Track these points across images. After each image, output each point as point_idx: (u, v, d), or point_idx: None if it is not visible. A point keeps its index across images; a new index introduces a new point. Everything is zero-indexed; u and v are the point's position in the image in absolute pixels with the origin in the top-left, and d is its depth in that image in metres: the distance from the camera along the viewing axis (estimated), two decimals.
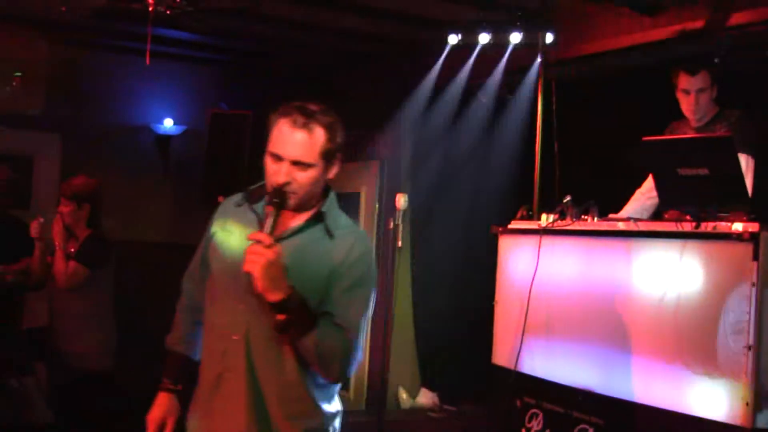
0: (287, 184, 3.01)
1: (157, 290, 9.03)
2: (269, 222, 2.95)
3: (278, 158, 3.02)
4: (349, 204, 9.09)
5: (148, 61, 6.92)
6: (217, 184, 8.64)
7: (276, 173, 3.02)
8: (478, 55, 7.29)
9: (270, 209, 3.01)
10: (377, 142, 8.67)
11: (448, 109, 7.73)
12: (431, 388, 8.08)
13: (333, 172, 3.12)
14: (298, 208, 3.09)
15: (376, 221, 8.61)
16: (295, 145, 3.02)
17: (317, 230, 3.10)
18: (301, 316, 2.90)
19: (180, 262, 9.27)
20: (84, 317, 5.89)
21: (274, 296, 2.84)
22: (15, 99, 8.97)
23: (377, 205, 8.58)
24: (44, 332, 6.24)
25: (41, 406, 6.74)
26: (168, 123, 9.54)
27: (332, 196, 3.20)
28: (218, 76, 9.88)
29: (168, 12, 6.16)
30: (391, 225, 7.04)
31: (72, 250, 5.94)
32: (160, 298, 9.05)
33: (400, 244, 7.55)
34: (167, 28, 7.45)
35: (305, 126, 3.04)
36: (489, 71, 7.34)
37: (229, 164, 8.72)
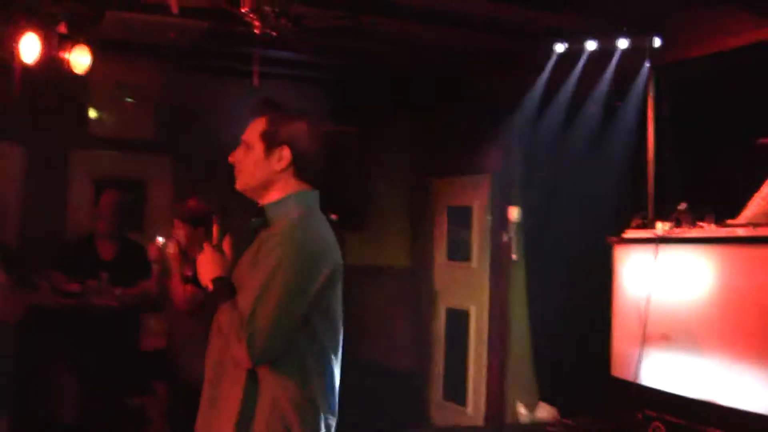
0: (234, 164, 3.46)
1: None
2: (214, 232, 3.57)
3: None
4: (461, 218, 9.13)
5: (255, 82, 7.06)
6: (329, 202, 8.77)
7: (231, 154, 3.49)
8: (585, 63, 7.27)
9: None
10: (487, 155, 8.68)
11: (556, 119, 7.71)
12: (550, 402, 8.04)
13: (278, 164, 3.36)
14: (251, 196, 3.47)
15: (489, 235, 8.62)
16: (248, 128, 3.47)
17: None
18: (217, 299, 3.27)
19: None
20: (202, 338, 6.02)
21: (203, 282, 3.36)
22: (127, 124, 9.26)
23: (489, 219, 8.59)
24: (163, 353, 6.42)
25: (161, 427, 6.92)
26: None
27: (294, 200, 3.40)
28: (327, 95, 9.99)
29: (274, 33, 6.27)
30: (505, 238, 7.06)
31: (188, 273, 6.09)
32: None
33: (515, 257, 7.57)
34: (273, 48, 7.59)
35: (257, 113, 3.47)
36: (596, 78, 7.31)
37: (340, 182, 8.82)
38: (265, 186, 3.41)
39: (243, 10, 5.92)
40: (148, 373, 6.92)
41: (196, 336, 5.98)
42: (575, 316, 7.67)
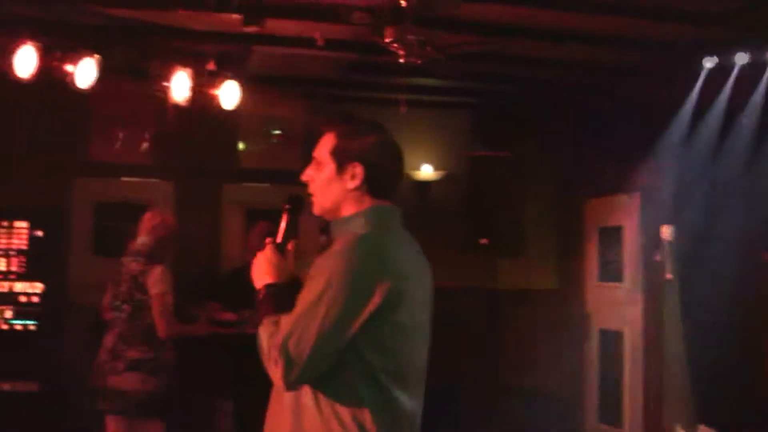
0: (307, 184, 3.16)
1: (431, 334, 9.30)
2: (280, 226, 3.22)
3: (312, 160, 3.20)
4: (611, 238, 9.04)
5: (402, 110, 7.16)
6: (479, 227, 8.82)
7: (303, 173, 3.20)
8: (737, 76, 7.14)
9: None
10: (638, 173, 8.59)
11: (709, 135, 7.58)
12: (709, 424, 7.87)
13: (351, 181, 3.10)
14: (328, 218, 3.16)
15: (641, 255, 8.51)
16: (318, 144, 3.17)
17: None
18: (262, 311, 3.03)
19: (442, 307, 9.51)
20: None
21: (256, 285, 3.11)
22: (275, 156, 9.51)
23: (641, 238, 8.49)
24: None
25: None
26: (426, 169, 9.79)
27: (365, 215, 3.12)
28: (473, 120, 10.06)
29: (419, 61, 6.37)
30: (658, 258, 6.96)
31: None
32: (433, 342, 9.33)
33: (669, 276, 7.44)
34: (419, 76, 7.70)
35: (326, 128, 3.19)
36: (749, 91, 7.17)
37: (490, 207, 8.86)
38: (340, 206, 3.13)
39: (387, 40, 6.01)
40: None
41: None
42: (732, 335, 7.51)
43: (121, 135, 8.63)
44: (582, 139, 9.55)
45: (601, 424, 9.16)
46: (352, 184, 3.09)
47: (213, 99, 7.27)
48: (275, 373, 2.85)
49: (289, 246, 3.19)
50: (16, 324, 8.60)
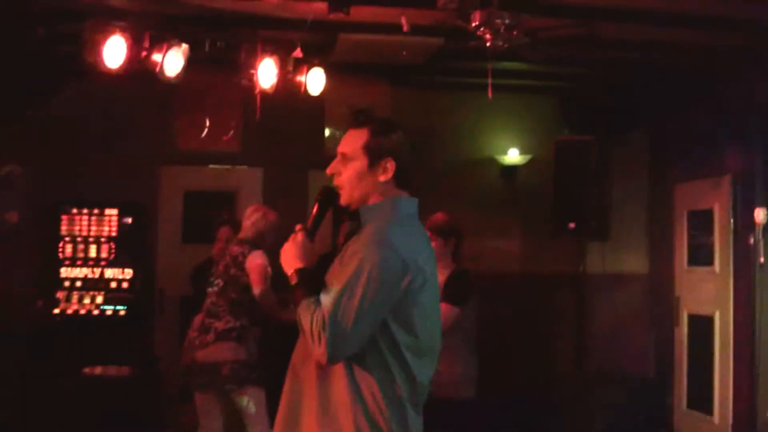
0: (333, 176, 3.40)
1: (514, 321, 9.31)
2: (311, 214, 3.49)
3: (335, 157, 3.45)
4: (702, 221, 8.92)
5: (489, 95, 7.15)
6: (566, 211, 8.76)
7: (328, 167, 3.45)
8: None
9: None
10: (728, 156, 8.46)
11: None
12: None
13: (382, 175, 3.35)
14: (351, 208, 3.41)
15: (731, 238, 8.39)
16: (342, 141, 3.43)
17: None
18: (298, 294, 3.26)
19: (533, 292, 9.52)
20: (445, 350, 6.15)
21: (286, 271, 3.36)
22: None
23: (731, 222, 8.35)
24: None
25: None
26: (513, 154, 9.76)
27: (390, 204, 3.38)
28: (560, 103, 10.00)
29: (506, 46, 6.34)
30: (751, 241, 6.85)
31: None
32: (517, 329, 9.33)
33: (762, 260, 7.32)
34: (505, 61, 7.67)
35: (354, 125, 3.41)
36: None
37: (577, 191, 8.80)
38: (368, 196, 3.38)
39: (473, 25, 6.00)
40: None
41: (449, 347, 6.16)
42: None
43: (208, 124, 8.74)
44: (671, 122, 9.43)
45: (691, 410, 9.06)
46: (384, 177, 3.36)
47: (299, 86, 7.32)
48: (318, 348, 3.12)
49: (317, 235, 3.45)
50: (106, 309, 8.79)
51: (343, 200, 3.41)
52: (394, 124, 3.45)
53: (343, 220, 3.55)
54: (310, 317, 3.14)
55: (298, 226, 3.43)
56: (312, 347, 3.16)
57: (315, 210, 3.48)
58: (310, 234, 3.43)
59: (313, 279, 3.30)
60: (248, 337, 6.69)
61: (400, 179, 3.39)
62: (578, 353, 9.27)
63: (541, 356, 9.37)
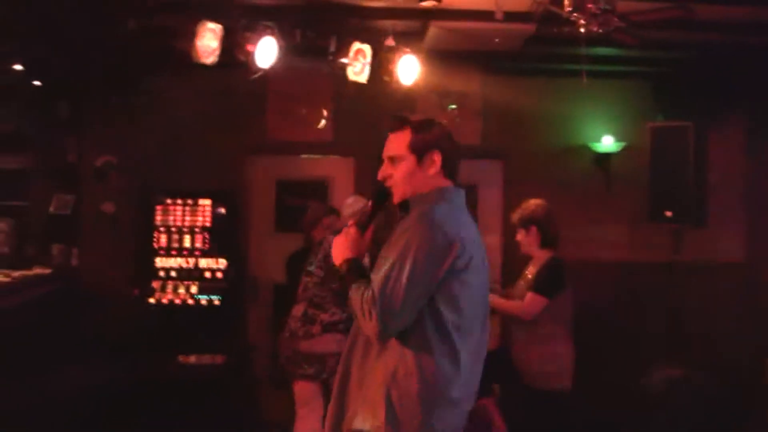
0: (385, 179, 3.61)
1: (609, 310, 9.23)
2: (365, 211, 3.71)
3: (382, 161, 3.70)
4: None
5: (584, 82, 7.10)
6: (663, 198, 8.66)
7: (378, 172, 3.69)
8: None
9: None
10: None
11: None
12: None
13: (431, 168, 3.61)
14: (405, 203, 3.65)
15: None
16: (387, 146, 3.69)
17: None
18: (349, 280, 3.53)
19: (628, 280, 9.41)
20: (542, 341, 6.15)
21: (339, 266, 3.62)
22: (455, 132, 9.53)
23: None
24: (499, 354, 6.59)
25: (501, 427, 7.07)
26: (607, 141, 9.66)
27: (437, 191, 3.62)
28: (655, 89, 9.86)
29: (600, 31, 6.27)
30: None
31: (529, 276, 6.25)
32: (613, 317, 9.26)
33: None
34: (599, 46, 7.59)
35: (395, 129, 3.69)
36: None
37: (674, 178, 8.68)
38: (420, 189, 3.62)
39: (567, 10, 5.96)
40: (484, 374, 7.09)
41: (535, 339, 6.16)
42: None
43: (300, 113, 8.83)
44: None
45: None
46: (433, 170, 3.62)
47: (391, 75, 7.34)
48: (369, 325, 3.36)
49: (368, 231, 3.69)
50: (201, 299, 8.92)
51: (397, 198, 3.67)
52: (432, 120, 3.71)
53: (372, 221, 3.75)
54: (360, 296, 3.39)
55: (351, 221, 3.72)
56: (363, 324, 3.41)
57: (370, 207, 3.71)
58: (362, 229, 3.67)
59: (361, 268, 3.58)
60: None
61: (448, 169, 3.65)
62: (674, 341, 9.15)
63: (636, 344, 9.26)
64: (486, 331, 3.67)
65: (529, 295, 6.13)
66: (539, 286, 6.12)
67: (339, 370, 3.63)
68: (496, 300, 6.34)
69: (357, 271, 3.56)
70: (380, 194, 3.70)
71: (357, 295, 3.42)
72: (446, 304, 3.40)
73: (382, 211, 3.75)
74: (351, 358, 3.58)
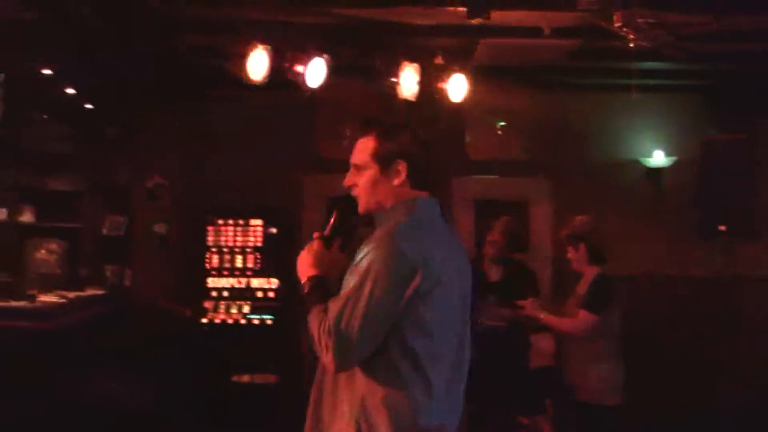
0: (350, 187, 3.41)
1: (662, 325, 9.18)
2: (329, 223, 3.46)
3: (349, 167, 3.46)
4: None
5: (634, 96, 7.10)
6: (715, 212, 8.62)
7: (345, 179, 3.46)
8: None
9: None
10: None
11: None
12: None
13: (396, 179, 3.36)
14: (368, 213, 3.42)
15: None
16: (353, 152, 3.43)
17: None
18: (309, 301, 3.27)
19: (681, 295, 9.34)
20: (592, 357, 6.14)
21: (300, 279, 3.37)
22: (502, 147, 9.58)
23: None
24: (552, 371, 6.59)
25: None
26: (658, 155, 9.63)
27: (402, 205, 3.35)
28: (705, 102, 9.80)
29: (648, 45, 6.28)
30: None
31: (580, 292, 6.25)
32: (665, 332, 9.20)
33: None
34: (648, 60, 7.59)
35: (361, 133, 3.43)
36: None
37: (726, 191, 8.63)
38: (385, 202, 3.38)
39: (616, 25, 5.96)
40: (538, 391, 7.08)
41: (586, 355, 6.15)
42: None
43: (349, 132, 8.88)
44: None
45: None
46: (398, 181, 3.36)
47: (440, 93, 7.37)
48: (326, 356, 3.13)
49: (335, 244, 3.43)
50: (253, 318, 9.00)
51: (361, 209, 3.43)
52: (401, 127, 3.48)
53: (342, 233, 3.51)
54: (318, 325, 3.15)
55: (315, 234, 3.46)
56: (320, 355, 3.18)
57: (333, 219, 3.48)
58: (327, 243, 3.42)
59: (325, 287, 3.31)
60: None
61: (416, 180, 3.38)
62: (728, 357, 9.09)
63: (689, 361, 9.20)
64: (465, 348, 3.42)
65: (581, 313, 6.12)
66: (590, 302, 6.10)
67: (311, 396, 3.38)
68: (548, 317, 6.35)
69: (319, 290, 3.29)
70: (345, 204, 3.48)
71: (315, 323, 3.17)
72: (414, 330, 3.17)
73: (349, 222, 3.52)
74: (323, 384, 3.34)
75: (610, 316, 6.11)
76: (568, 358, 6.30)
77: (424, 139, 3.46)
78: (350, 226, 3.51)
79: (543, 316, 6.39)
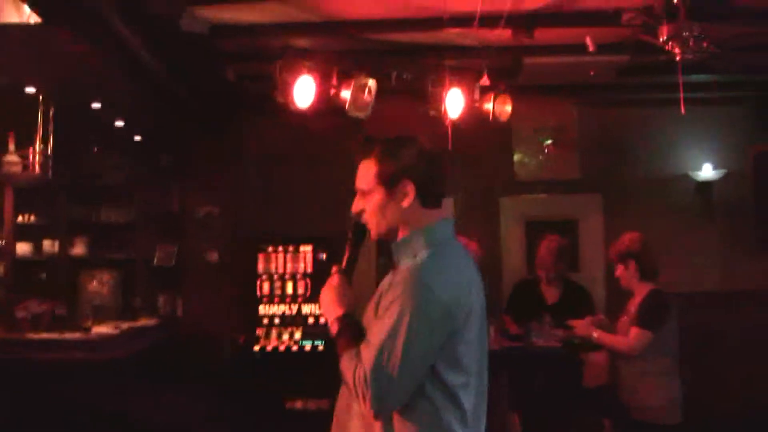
0: (358, 214, 3.23)
1: (717, 340, 9.10)
2: (345, 254, 3.31)
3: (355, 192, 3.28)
4: None
5: (683, 110, 7.07)
6: None
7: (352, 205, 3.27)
8: None
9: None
10: None
11: None
12: None
13: (404, 200, 3.16)
14: (387, 239, 3.23)
15: None
16: (357, 176, 3.26)
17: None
18: (339, 344, 3.11)
19: (736, 310, 9.26)
20: (648, 375, 6.10)
21: (328, 322, 3.21)
22: (551, 166, 9.58)
23: None
24: (607, 390, 6.55)
25: None
26: (707, 168, 9.58)
27: (420, 235, 3.17)
28: (755, 113, 9.74)
29: (694, 58, 6.25)
30: None
31: (632, 310, 6.22)
32: (723, 348, 9.12)
33: None
34: (695, 73, 7.56)
35: (362, 155, 3.25)
36: None
37: None
38: (398, 226, 3.19)
39: (661, 39, 5.95)
40: (595, 410, 7.04)
41: (642, 373, 6.11)
42: None
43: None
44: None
45: None
46: (407, 202, 3.17)
47: (487, 113, 7.37)
48: (364, 405, 2.98)
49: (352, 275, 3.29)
50: (305, 344, 9.01)
51: (373, 236, 3.26)
52: (402, 142, 3.24)
53: (356, 261, 3.35)
54: (353, 373, 2.98)
55: (334, 268, 3.29)
56: (357, 403, 3.03)
57: (347, 250, 3.32)
58: (347, 275, 3.28)
59: (354, 326, 3.14)
60: None
61: (425, 197, 3.18)
62: None
63: (748, 378, 9.11)
64: (485, 367, 3.27)
65: (634, 330, 6.09)
66: (643, 320, 6.07)
67: (338, 415, 3.26)
68: (603, 336, 6.33)
69: (349, 331, 3.12)
70: (357, 232, 3.30)
71: (350, 369, 3.01)
72: (449, 367, 3.05)
73: (361, 249, 3.34)
74: (345, 425, 3.20)
75: (664, 333, 6.08)
76: (623, 377, 6.27)
77: (429, 150, 3.23)
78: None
79: (596, 334, 6.37)
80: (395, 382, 2.94)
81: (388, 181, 3.16)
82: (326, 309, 3.24)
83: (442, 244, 3.18)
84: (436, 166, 3.23)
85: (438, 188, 3.23)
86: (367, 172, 3.21)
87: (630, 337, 6.08)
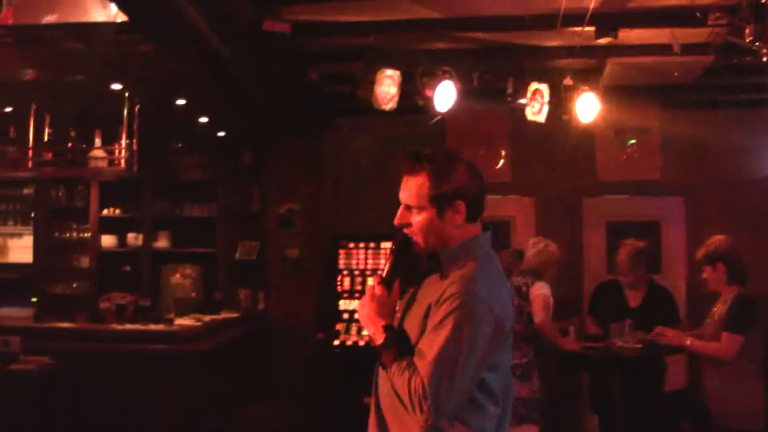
0: (403, 226, 3.22)
1: None
2: (386, 265, 3.29)
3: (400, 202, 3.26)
4: None
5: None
6: None
7: (396, 216, 3.25)
8: None
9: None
10: None
11: None
12: None
13: (455, 218, 3.17)
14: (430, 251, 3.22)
15: None
16: (403, 190, 3.23)
17: (437, 275, 3.21)
18: (386, 355, 3.12)
19: None
20: (733, 380, 6.07)
21: (369, 333, 3.23)
22: (633, 167, 9.53)
23: None
24: (686, 394, 6.53)
25: None
26: None
27: (471, 245, 3.20)
28: None
29: None
30: None
31: (717, 314, 6.20)
32: None
33: None
34: None
35: (410, 171, 3.20)
36: None
37: None
38: (447, 239, 3.19)
39: (748, 39, 5.90)
40: (675, 414, 7.02)
41: (727, 377, 6.09)
42: None
43: (478, 153, 8.95)
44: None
45: None
46: (459, 220, 3.18)
47: (570, 113, 7.37)
48: (419, 416, 3.00)
49: (395, 286, 3.26)
50: None
51: (422, 249, 3.25)
52: (452, 159, 3.22)
53: (401, 273, 3.30)
54: (408, 384, 3.01)
55: (375, 279, 3.28)
56: (410, 413, 3.04)
57: (391, 260, 3.30)
58: (388, 286, 3.25)
59: (399, 338, 3.16)
60: (533, 374, 6.85)
61: (473, 213, 3.21)
62: None
63: None
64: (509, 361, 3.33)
65: (725, 335, 6.04)
66: (733, 324, 6.03)
67: (371, 422, 3.30)
68: (694, 343, 6.30)
69: (395, 341, 3.14)
70: (402, 243, 3.27)
71: (402, 380, 3.03)
72: (491, 373, 3.12)
73: (407, 261, 3.30)
74: (386, 411, 3.23)
75: (751, 336, 6.05)
76: (707, 381, 6.24)
77: (476, 167, 3.25)
78: (409, 264, 3.34)
79: (689, 342, 6.34)
80: (452, 393, 3.00)
81: (441, 202, 3.17)
82: (366, 319, 3.26)
83: (485, 256, 3.22)
84: (482, 181, 3.26)
85: (483, 203, 3.25)
86: (418, 191, 3.20)
87: (723, 342, 6.05)
